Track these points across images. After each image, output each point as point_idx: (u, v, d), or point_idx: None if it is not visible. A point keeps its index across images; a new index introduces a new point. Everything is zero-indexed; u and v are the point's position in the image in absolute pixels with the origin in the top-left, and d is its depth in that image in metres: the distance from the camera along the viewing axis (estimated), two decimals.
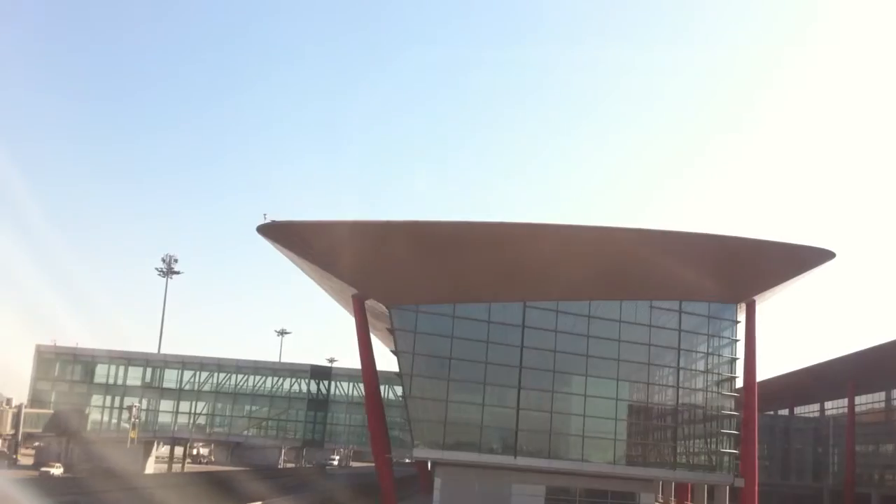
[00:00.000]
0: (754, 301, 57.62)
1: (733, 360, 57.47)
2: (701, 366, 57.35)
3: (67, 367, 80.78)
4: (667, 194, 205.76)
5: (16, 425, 71.63)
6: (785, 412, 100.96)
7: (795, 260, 54.84)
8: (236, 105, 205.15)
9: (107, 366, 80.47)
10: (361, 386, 78.70)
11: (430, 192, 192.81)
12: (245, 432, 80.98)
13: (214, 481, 62.48)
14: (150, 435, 78.38)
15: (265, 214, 46.32)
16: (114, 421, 79.47)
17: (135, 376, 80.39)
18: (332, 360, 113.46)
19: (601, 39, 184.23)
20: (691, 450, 58.81)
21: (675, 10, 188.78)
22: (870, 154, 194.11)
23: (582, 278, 53.49)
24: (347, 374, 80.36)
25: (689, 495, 70.70)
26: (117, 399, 79.31)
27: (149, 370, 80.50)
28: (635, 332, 55.12)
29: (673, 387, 56.21)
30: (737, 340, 57.50)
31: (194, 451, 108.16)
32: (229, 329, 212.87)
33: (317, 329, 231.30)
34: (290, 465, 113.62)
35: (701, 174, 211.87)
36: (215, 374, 79.65)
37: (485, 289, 52.91)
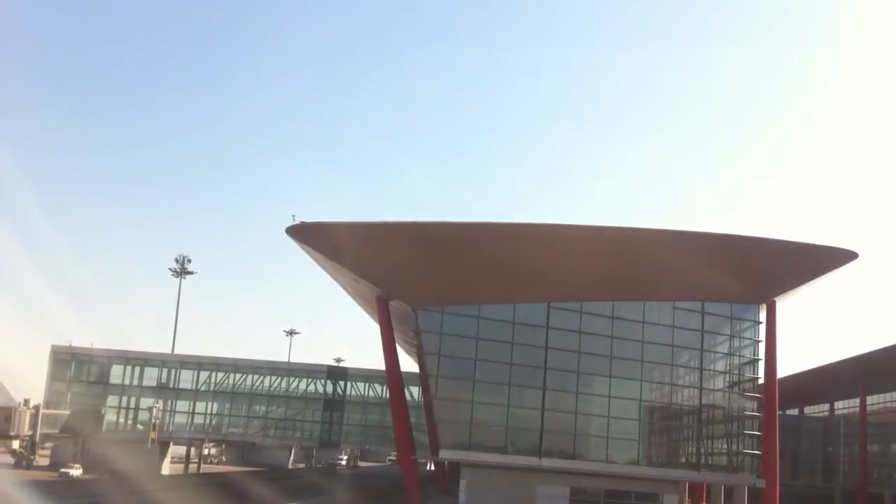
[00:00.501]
0: (775, 302, 57.30)
1: (755, 360, 57.08)
2: (724, 367, 57.00)
3: (83, 368, 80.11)
4: (665, 195, 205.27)
5: (33, 426, 70.84)
6: (794, 412, 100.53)
7: (818, 260, 54.45)
8: (238, 107, 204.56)
9: (122, 367, 79.78)
10: (377, 386, 78.70)
11: (429, 192, 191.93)
12: (261, 433, 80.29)
13: (236, 483, 61.80)
14: (166, 436, 77.69)
15: (294, 216, 46.04)
16: (129, 422, 78.80)
17: (150, 377, 79.73)
18: (338, 361, 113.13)
19: (601, 40, 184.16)
20: (714, 451, 58.39)
21: (674, 10, 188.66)
22: None
23: (605, 279, 53.12)
24: (363, 375, 79.81)
25: (704, 496, 70.30)
26: (133, 400, 78.64)
27: (164, 371, 79.79)
28: (658, 332, 54.73)
29: (696, 388, 55.78)
30: (759, 341, 57.11)
31: (205, 452, 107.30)
32: (232, 329, 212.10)
33: (322, 330, 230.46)
34: (300, 466, 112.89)
35: (701, 175, 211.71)
36: (231, 375, 78.96)
37: (509, 289, 52.45)
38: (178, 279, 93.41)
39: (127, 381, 79.46)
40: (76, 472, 66.42)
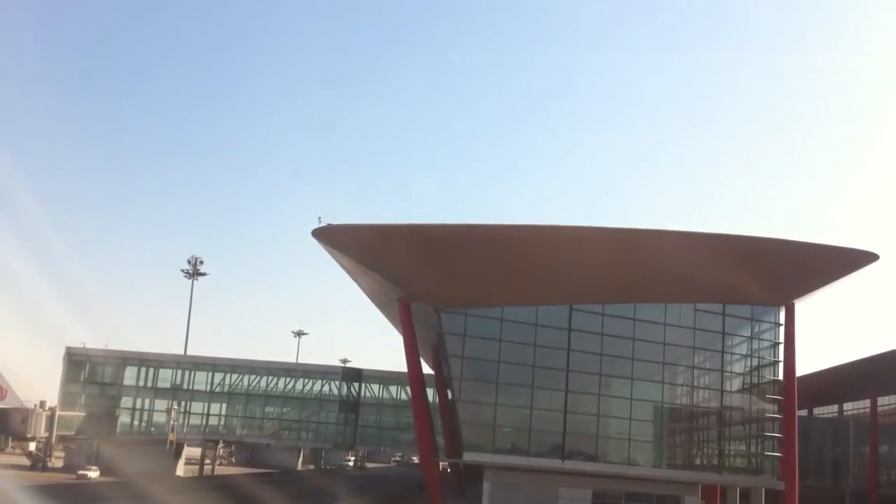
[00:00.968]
0: (794, 304, 56.99)
1: (776, 362, 56.69)
2: (745, 368, 56.61)
3: (97, 369, 79.47)
4: (663, 195, 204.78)
5: (49, 428, 70.17)
6: (803, 413, 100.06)
7: (840, 262, 54.07)
8: (240, 108, 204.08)
9: (136, 368, 79.17)
10: (392, 388, 78.25)
11: (430, 193, 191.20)
12: (276, 435, 79.69)
13: (256, 486, 61.18)
14: (181, 437, 77.03)
15: (320, 218, 45.62)
16: (143, 424, 78.18)
17: (164, 378, 79.09)
18: (345, 361, 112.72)
19: (601, 41, 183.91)
20: (735, 452, 58.02)
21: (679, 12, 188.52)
22: None
23: (627, 280, 52.70)
24: (378, 377, 79.27)
25: (718, 497, 69.86)
26: (147, 402, 78.02)
27: (178, 373, 79.17)
28: (679, 334, 54.34)
29: (717, 389, 55.40)
30: (779, 343, 56.73)
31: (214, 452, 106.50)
32: (235, 330, 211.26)
33: (326, 330, 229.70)
34: (309, 467, 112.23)
35: (701, 176, 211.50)
36: (246, 377, 78.37)
37: (531, 291, 52.03)
38: (190, 280, 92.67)
39: (141, 383, 78.80)
40: (93, 474, 65.66)
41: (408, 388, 78.34)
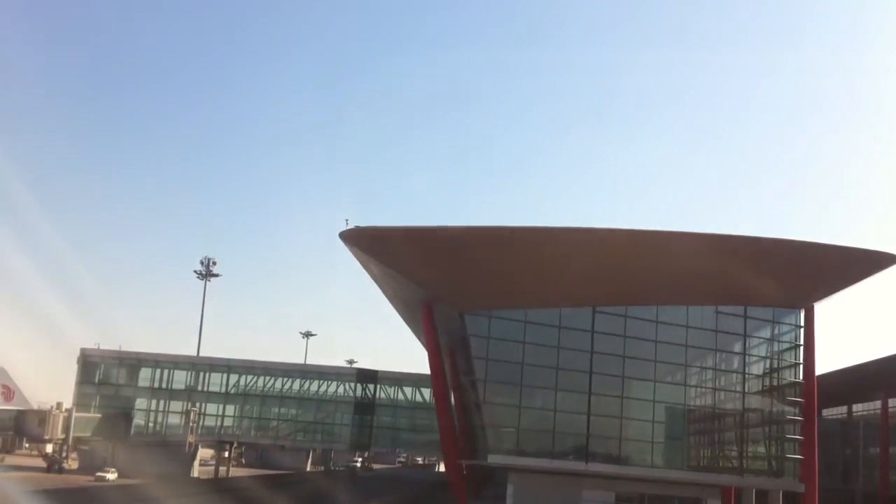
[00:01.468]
0: (813, 306, 56.52)
1: (797, 364, 56.18)
2: (766, 370, 56.12)
3: (112, 370, 78.69)
4: (659, 196, 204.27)
5: (66, 429, 69.37)
6: None
7: (861, 264, 53.64)
8: (243, 109, 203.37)
9: (151, 369, 78.40)
10: (406, 389, 77.69)
11: (428, 193, 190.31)
12: (291, 436, 78.99)
13: (278, 487, 60.42)
14: (196, 438, 76.29)
15: (347, 220, 45.20)
16: (159, 425, 77.42)
17: (179, 380, 78.34)
18: (350, 362, 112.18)
19: (602, 41, 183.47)
20: (757, 455, 57.51)
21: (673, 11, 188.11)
22: None
23: (649, 282, 52.20)
24: (393, 378, 78.64)
25: (733, 499, 69.38)
26: (162, 402, 77.27)
27: (193, 374, 78.38)
28: (701, 337, 53.84)
29: (738, 392, 54.90)
30: (799, 345, 56.24)
31: (224, 454, 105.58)
32: (241, 330, 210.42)
33: (331, 331, 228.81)
34: (320, 468, 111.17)
35: (699, 176, 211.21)
36: (260, 378, 77.65)
37: (555, 293, 51.52)
38: (202, 281, 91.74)
39: (156, 385, 78.06)
40: (112, 476, 64.82)
41: (422, 390, 78.16)
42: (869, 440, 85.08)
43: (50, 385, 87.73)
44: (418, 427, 77.95)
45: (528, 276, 50.27)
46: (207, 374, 77.95)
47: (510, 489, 51.15)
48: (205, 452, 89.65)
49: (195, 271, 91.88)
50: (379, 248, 47.88)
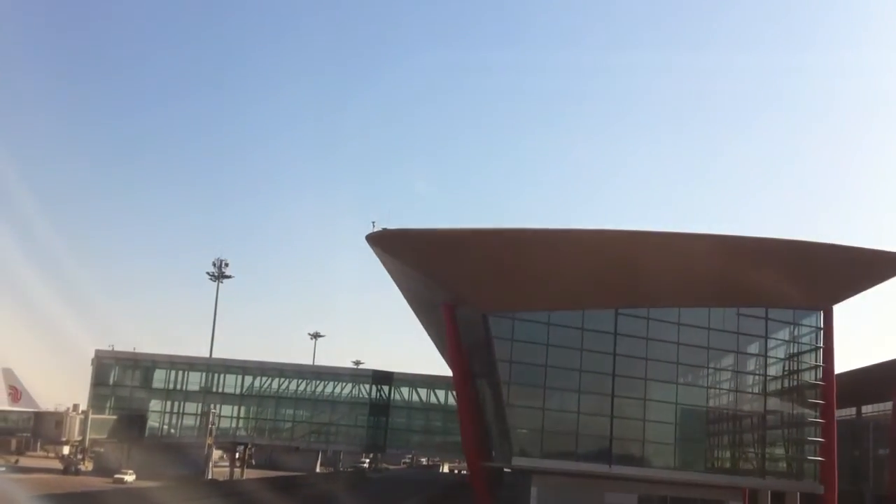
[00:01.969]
0: (832, 308, 56.17)
1: (817, 366, 55.78)
2: (787, 372, 55.80)
3: (126, 372, 78.01)
4: (657, 196, 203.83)
5: (83, 431, 68.65)
6: None
7: (883, 265, 53.30)
8: (245, 110, 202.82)
9: (165, 371, 77.72)
10: (421, 391, 77.12)
11: (429, 195, 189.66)
12: (306, 437, 78.34)
13: (301, 487, 59.56)
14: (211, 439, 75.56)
15: (374, 222, 44.78)
16: (174, 426, 76.74)
17: (193, 381, 77.65)
18: (357, 363, 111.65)
19: (602, 41, 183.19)
20: (778, 457, 57.12)
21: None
22: None
23: (672, 284, 51.78)
24: (408, 380, 78.05)
25: (747, 501, 68.96)
26: (177, 404, 76.61)
27: (207, 375, 77.71)
28: (723, 339, 53.53)
29: (760, 393, 54.57)
30: (820, 347, 55.86)
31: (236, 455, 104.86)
32: (244, 331, 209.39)
33: (335, 332, 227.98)
34: (330, 469, 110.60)
35: (701, 177, 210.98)
36: (275, 379, 77.02)
37: (577, 296, 51.05)
38: (215, 283, 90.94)
39: (171, 386, 77.36)
40: (130, 478, 64.07)
41: (436, 391, 77.68)
42: (879, 441, 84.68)
43: (57, 387, 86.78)
44: (432, 429, 77.44)
45: (550, 278, 49.86)
46: (222, 376, 77.21)
47: (534, 491, 50.60)
48: (215, 454, 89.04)
49: (207, 273, 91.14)
50: (404, 249, 47.53)
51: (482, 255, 48.03)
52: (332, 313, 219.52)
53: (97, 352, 76.58)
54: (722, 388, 54.82)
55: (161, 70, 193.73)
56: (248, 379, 76.86)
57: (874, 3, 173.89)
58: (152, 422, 77.21)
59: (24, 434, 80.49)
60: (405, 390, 78.25)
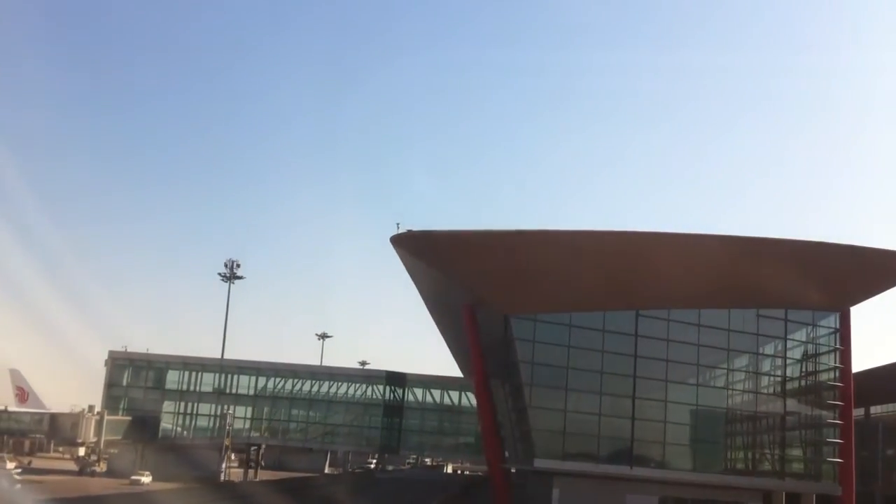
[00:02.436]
0: (849, 309, 55.84)
1: (836, 368, 55.41)
2: (806, 374, 55.42)
3: (140, 373, 77.42)
4: (656, 197, 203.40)
5: (98, 432, 68.10)
6: None
7: None
8: (246, 111, 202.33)
9: (179, 372, 77.15)
10: (435, 392, 76.65)
11: (430, 195, 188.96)
12: (320, 438, 77.85)
13: (318, 488, 58.98)
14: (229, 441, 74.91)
15: (398, 224, 44.41)
16: (187, 427, 76.18)
17: (207, 382, 77.09)
18: (363, 364, 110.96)
19: (601, 42, 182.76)
20: (798, 458, 56.74)
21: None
22: None
23: (692, 286, 51.45)
24: (421, 381, 77.56)
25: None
26: (190, 405, 76.04)
27: (221, 376, 77.15)
28: (742, 340, 53.17)
29: (779, 395, 54.19)
30: (839, 348, 55.49)
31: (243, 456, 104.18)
32: (249, 332, 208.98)
33: (340, 332, 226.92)
34: (338, 470, 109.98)
35: (697, 176, 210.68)
36: (289, 380, 76.48)
37: (598, 297, 50.66)
38: (227, 284, 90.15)
39: (184, 387, 76.79)
40: (146, 479, 63.46)
41: (450, 393, 77.29)
42: (888, 442, 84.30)
43: (65, 388, 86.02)
44: (444, 430, 77.00)
45: (572, 279, 49.50)
46: (236, 377, 76.65)
47: (555, 493, 50.15)
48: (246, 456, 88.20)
49: (219, 274, 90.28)
50: (428, 251, 47.15)
51: (504, 257, 47.77)
52: (336, 313, 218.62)
53: (111, 353, 76.11)
54: (741, 390, 54.33)
55: (161, 70, 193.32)
56: (262, 380, 76.33)
57: (862, 4, 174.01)
58: (165, 423, 76.65)
59: (38, 435, 79.86)
60: (418, 391, 77.76)
